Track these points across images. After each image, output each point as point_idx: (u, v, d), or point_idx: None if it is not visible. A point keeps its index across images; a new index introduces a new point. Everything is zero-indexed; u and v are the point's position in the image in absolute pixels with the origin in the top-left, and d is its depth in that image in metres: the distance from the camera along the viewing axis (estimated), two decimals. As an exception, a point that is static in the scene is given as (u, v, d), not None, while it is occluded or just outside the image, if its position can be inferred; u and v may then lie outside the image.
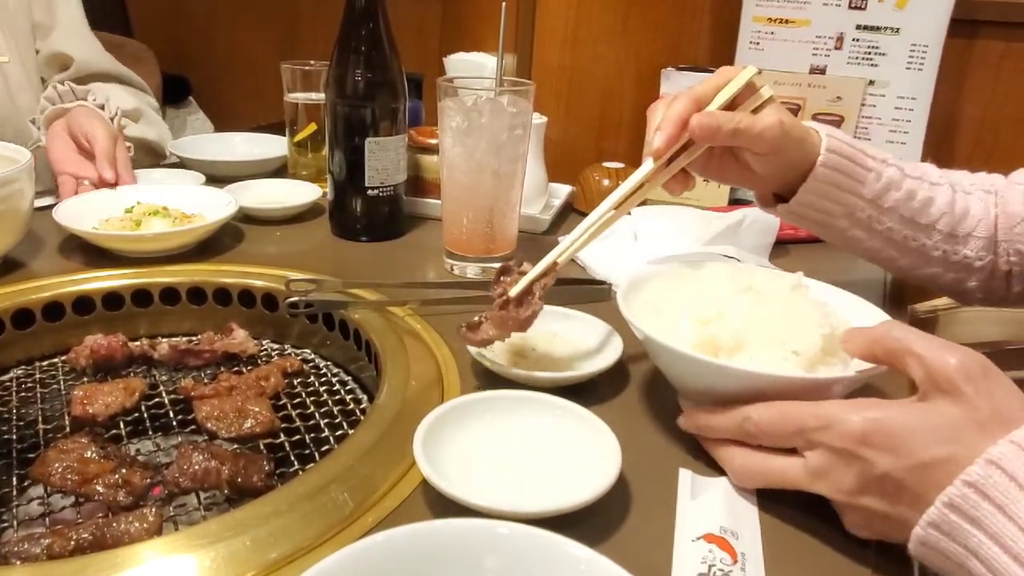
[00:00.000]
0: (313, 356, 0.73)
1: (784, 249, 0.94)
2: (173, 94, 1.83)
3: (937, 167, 0.72)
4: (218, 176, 1.07)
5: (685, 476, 0.49)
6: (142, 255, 0.79)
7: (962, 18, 1.03)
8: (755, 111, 0.62)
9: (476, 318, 0.58)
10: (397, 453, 0.50)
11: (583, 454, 0.49)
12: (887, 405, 0.42)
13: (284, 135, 1.14)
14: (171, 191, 0.90)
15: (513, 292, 0.58)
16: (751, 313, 0.52)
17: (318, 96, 1.07)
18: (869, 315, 0.55)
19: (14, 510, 0.52)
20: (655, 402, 0.59)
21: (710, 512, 0.45)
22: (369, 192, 0.89)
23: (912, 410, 0.41)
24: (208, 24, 1.91)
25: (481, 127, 0.76)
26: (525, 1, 1.36)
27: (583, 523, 0.43)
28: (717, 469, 0.50)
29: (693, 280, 0.58)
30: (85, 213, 0.83)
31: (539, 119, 0.97)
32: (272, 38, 1.86)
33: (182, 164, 1.15)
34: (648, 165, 0.60)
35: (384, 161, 0.88)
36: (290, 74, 1.05)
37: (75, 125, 0.92)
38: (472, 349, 0.60)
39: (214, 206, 0.87)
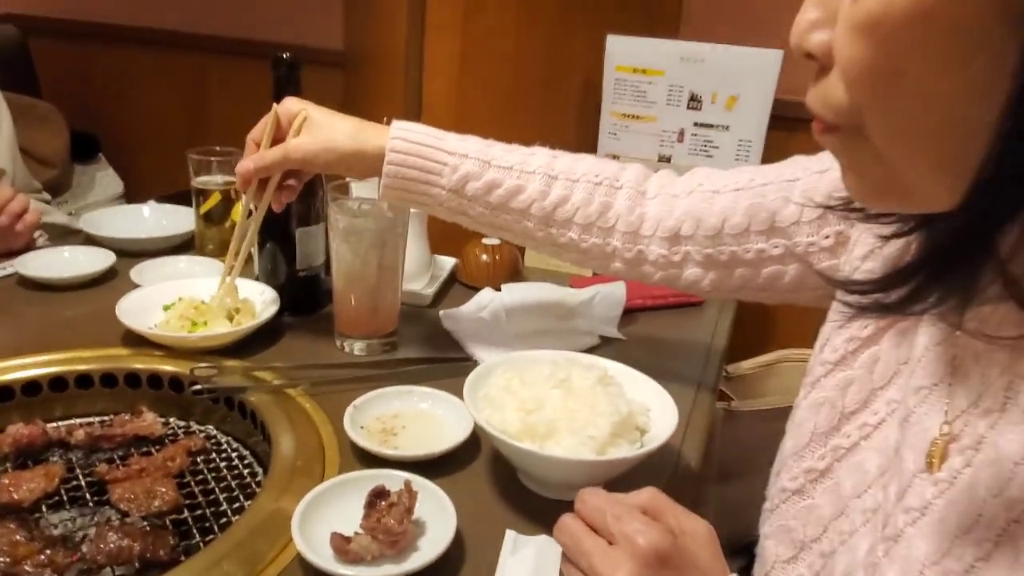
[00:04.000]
0: (216, 432, 0.84)
1: (633, 317, 1.11)
2: (82, 152, 1.87)
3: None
4: (128, 252, 1.15)
5: (509, 535, 0.63)
6: (198, 350, 0.89)
7: (782, 115, 1.23)
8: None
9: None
10: (280, 528, 0.62)
11: (427, 522, 0.62)
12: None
13: (191, 202, 1.21)
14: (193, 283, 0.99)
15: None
16: (562, 404, 0.66)
17: (225, 179, 1.16)
18: (658, 399, 0.71)
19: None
20: (496, 471, 0.73)
21: (522, 566, 0.59)
22: (299, 274, 1.01)
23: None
24: (118, 82, 1.97)
25: (363, 231, 0.89)
26: (412, 95, 1.50)
27: (423, 581, 0.57)
28: (539, 529, 0.64)
29: (524, 373, 0.72)
30: (142, 311, 0.92)
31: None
32: (181, 97, 1.93)
33: (91, 240, 1.22)
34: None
35: (310, 247, 1.01)
36: (196, 163, 1.14)
37: None
38: (349, 429, 0.73)
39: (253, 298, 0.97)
